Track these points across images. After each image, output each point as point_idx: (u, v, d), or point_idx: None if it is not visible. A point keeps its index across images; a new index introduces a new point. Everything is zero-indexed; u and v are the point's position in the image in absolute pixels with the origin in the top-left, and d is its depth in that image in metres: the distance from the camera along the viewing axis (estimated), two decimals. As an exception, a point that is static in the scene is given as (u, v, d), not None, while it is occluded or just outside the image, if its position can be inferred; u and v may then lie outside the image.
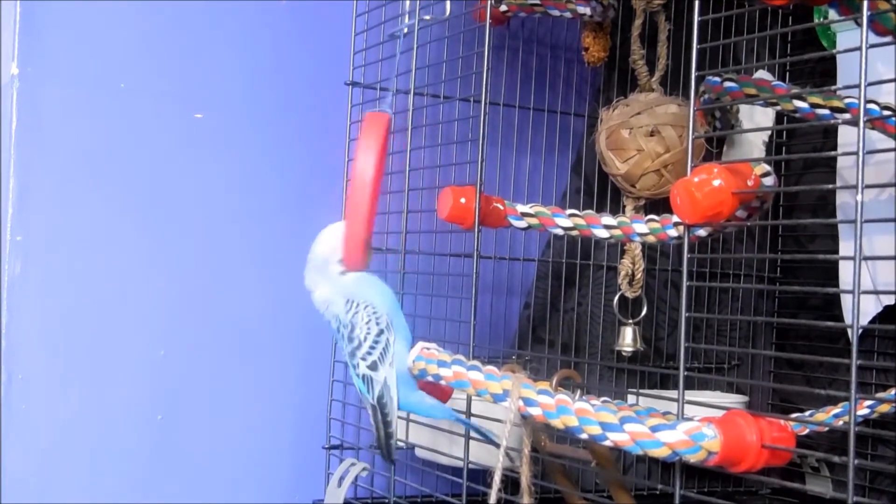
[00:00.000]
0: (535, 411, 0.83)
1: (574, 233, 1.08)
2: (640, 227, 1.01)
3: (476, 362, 0.91)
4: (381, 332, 0.97)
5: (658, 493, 1.47)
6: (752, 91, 1.06)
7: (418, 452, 1.29)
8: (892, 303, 1.31)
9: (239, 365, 1.35)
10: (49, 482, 1.24)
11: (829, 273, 1.45)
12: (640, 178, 1.38)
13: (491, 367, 0.89)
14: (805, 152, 1.59)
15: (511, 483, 0.98)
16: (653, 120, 1.36)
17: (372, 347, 0.97)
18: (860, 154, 0.69)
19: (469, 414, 1.04)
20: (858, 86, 0.70)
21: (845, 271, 1.37)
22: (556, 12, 1.34)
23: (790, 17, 1.62)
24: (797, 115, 1.06)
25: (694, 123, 0.85)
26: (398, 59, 1.31)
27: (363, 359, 0.98)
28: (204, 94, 1.33)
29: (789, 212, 1.62)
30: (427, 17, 1.19)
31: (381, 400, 0.97)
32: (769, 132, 1.52)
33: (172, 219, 1.31)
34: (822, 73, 1.54)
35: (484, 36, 1.07)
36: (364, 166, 0.96)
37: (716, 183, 0.81)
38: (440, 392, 1.04)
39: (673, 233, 0.98)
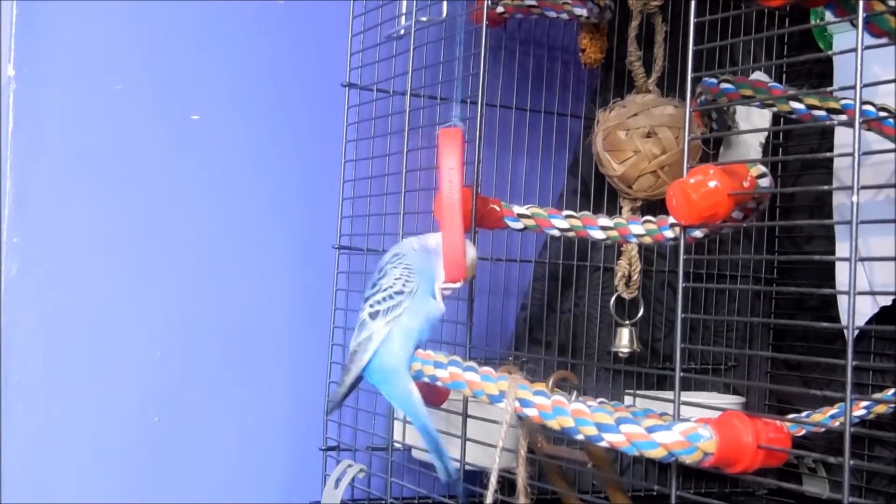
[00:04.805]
0: (531, 412, 0.83)
1: (571, 234, 1.08)
2: (637, 229, 1.01)
3: (472, 363, 0.91)
4: (401, 292, 0.95)
5: (655, 494, 1.47)
6: (749, 92, 1.06)
7: (415, 454, 1.29)
8: (889, 304, 1.31)
9: (236, 366, 1.35)
10: (48, 483, 1.24)
11: (826, 274, 1.45)
12: (637, 180, 1.38)
13: (487, 369, 0.89)
14: (802, 153, 1.60)
15: (507, 484, 0.98)
16: (649, 121, 1.36)
17: (385, 299, 0.95)
18: (856, 155, 0.69)
19: (465, 416, 1.05)
20: (854, 87, 0.70)
21: (842, 272, 1.38)
22: (552, 14, 1.34)
23: (787, 19, 1.63)
24: (794, 116, 1.06)
25: (690, 125, 0.85)
26: (395, 61, 1.31)
27: (371, 305, 0.96)
28: (200, 96, 1.33)
29: (786, 213, 1.62)
30: (424, 19, 1.19)
31: (357, 348, 0.95)
32: (766, 133, 1.52)
33: (169, 220, 1.31)
34: (818, 74, 1.54)
35: (481, 37, 1.07)
36: (450, 188, 0.93)
37: (712, 184, 0.81)
38: (437, 394, 1.04)
39: (669, 234, 0.98)
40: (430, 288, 0.96)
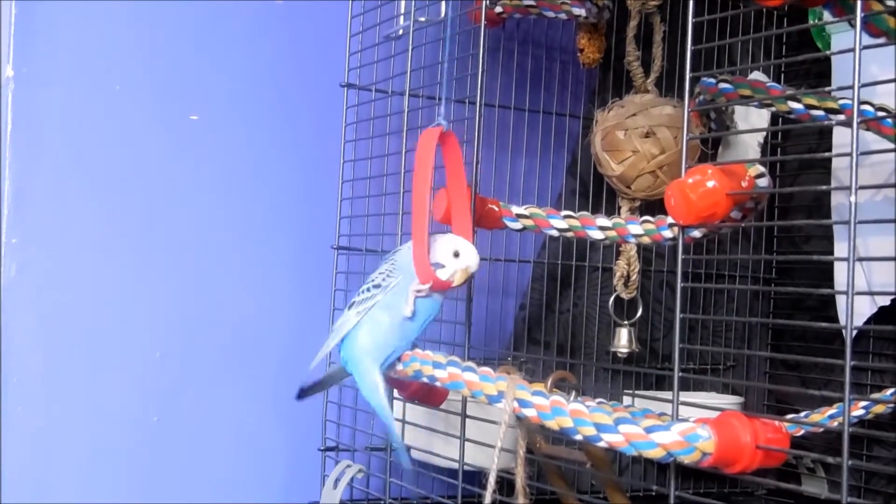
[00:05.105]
0: (530, 412, 0.83)
1: (569, 234, 1.08)
2: (635, 229, 1.01)
3: (471, 364, 0.91)
4: (378, 286, 0.96)
5: (653, 494, 1.47)
6: (747, 92, 1.06)
7: (413, 454, 1.29)
8: (888, 304, 1.31)
9: (235, 367, 1.35)
10: (48, 483, 1.24)
11: (825, 274, 1.45)
12: (636, 180, 1.38)
13: (486, 369, 0.89)
14: (800, 153, 1.60)
15: (506, 484, 0.98)
16: (648, 121, 1.36)
17: (363, 291, 0.97)
18: (854, 155, 0.69)
19: (464, 416, 1.05)
20: (853, 87, 0.70)
21: (840, 272, 1.38)
22: (550, 14, 1.34)
23: (785, 19, 1.63)
24: (792, 116, 1.06)
25: (689, 125, 0.85)
26: (393, 61, 1.31)
27: (356, 296, 0.98)
28: (199, 96, 1.33)
29: (784, 213, 1.62)
30: (422, 19, 1.19)
31: (333, 332, 1.00)
32: (764, 133, 1.52)
33: (168, 220, 1.31)
34: (816, 74, 1.55)
35: (479, 37, 1.07)
36: (420, 194, 0.93)
37: (710, 184, 0.81)
38: (436, 394, 1.04)
39: (668, 234, 0.98)
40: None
